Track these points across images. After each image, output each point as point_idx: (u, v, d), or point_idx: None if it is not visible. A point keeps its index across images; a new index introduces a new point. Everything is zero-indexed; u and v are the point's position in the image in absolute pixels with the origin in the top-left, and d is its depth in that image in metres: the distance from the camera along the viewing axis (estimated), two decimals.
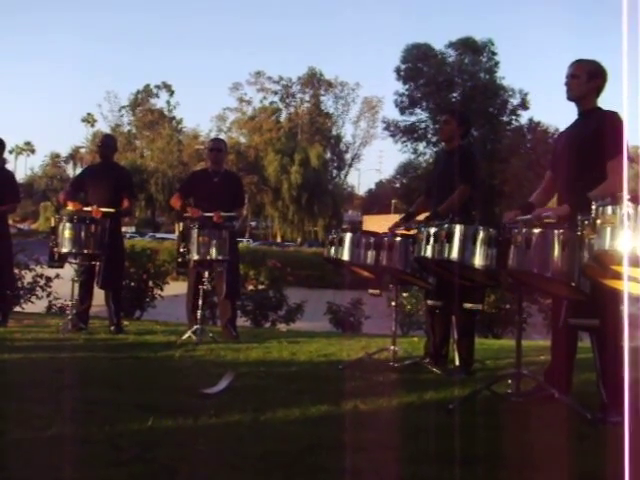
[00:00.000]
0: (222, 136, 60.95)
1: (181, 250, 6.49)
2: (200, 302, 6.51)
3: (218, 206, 6.62)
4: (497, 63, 45.43)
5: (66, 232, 6.44)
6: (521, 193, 31.33)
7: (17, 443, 2.75)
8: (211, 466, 2.61)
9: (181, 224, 6.64)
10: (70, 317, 6.64)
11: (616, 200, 2.80)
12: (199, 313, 6.52)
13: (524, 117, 46.04)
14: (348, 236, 5.29)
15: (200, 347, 5.91)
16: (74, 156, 79.24)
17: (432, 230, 4.08)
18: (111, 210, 6.69)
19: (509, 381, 3.95)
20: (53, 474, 2.41)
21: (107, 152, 7.23)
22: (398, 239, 5.02)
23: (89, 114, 78.31)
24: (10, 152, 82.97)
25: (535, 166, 34.89)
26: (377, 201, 65.19)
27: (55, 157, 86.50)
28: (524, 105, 45.54)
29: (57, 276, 9.82)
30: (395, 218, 5.87)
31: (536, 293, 8.14)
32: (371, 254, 5.14)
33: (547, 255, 3.43)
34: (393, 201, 52.68)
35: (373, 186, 79.70)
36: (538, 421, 3.48)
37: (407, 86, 45.49)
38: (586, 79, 4.04)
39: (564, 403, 3.70)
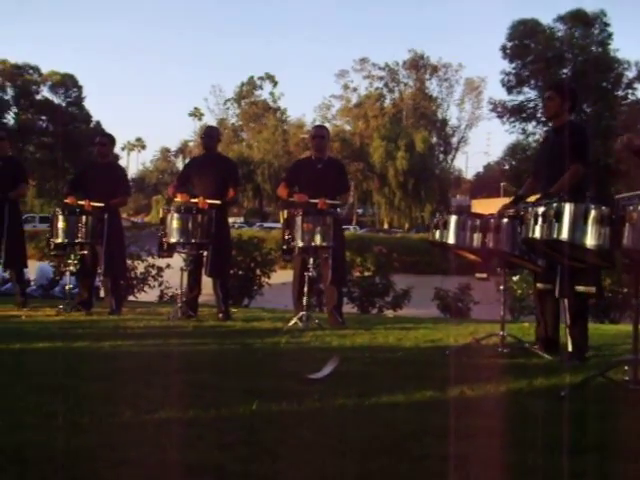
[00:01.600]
0: (327, 124, 61.27)
1: (286, 237, 6.54)
2: (306, 289, 6.55)
3: (322, 193, 6.63)
4: (610, 35, 43.41)
5: (174, 222, 6.62)
6: (638, 171, 29.84)
7: (127, 425, 2.84)
8: (314, 450, 2.59)
9: (285, 212, 6.69)
10: (179, 305, 6.85)
11: None
12: (305, 300, 6.56)
13: None
14: (453, 218, 5.15)
15: (306, 333, 5.94)
16: (183, 150, 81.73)
17: (540, 210, 3.90)
18: (217, 202, 6.82)
19: (625, 368, 3.75)
20: (159, 455, 2.46)
21: (210, 143, 7.36)
22: (505, 220, 4.85)
23: (196, 108, 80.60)
24: (122, 148, 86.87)
25: None
26: (485, 184, 63.81)
27: (165, 151, 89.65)
28: None
29: (168, 266, 10.15)
30: (504, 201, 5.66)
31: None
32: (477, 236, 4.99)
33: None
34: (502, 184, 51.42)
35: (481, 169, 78.23)
36: None
37: (514, 64, 44.21)
38: None
39: None
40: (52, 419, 2.84)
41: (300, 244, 6.42)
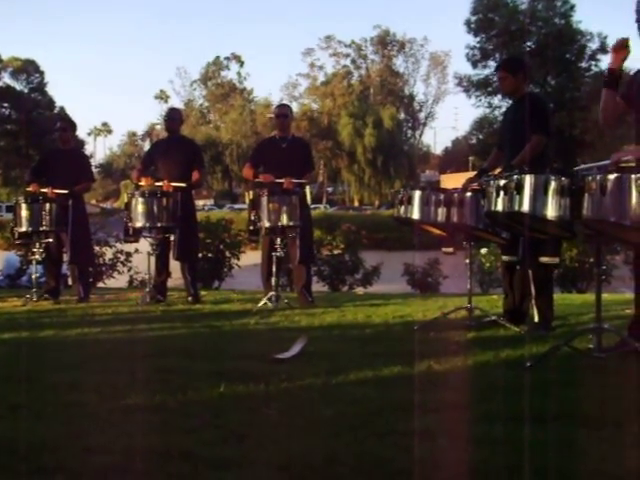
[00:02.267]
0: (294, 103, 61.04)
1: (252, 218, 6.51)
2: (274, 269, 6.54)
3: (287, 172, 6.59)
4: (573, 7, 43.51)
5: (139, 207, 6.55)
6: (603, 142, 30.17)
7: (92, 413, 2.82)
8: (281, 431, 2.60)
9: (251, 192, 6.65)
10: (148, 290, 6.81)
11: None
12: (273, 280, 6.56)
13: (604, 62, 44.08)
14: (417, 194, 5.14)
15: (275, 313, 5.94)
16: (150, 133, 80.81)
17: (501, 182, 3.91)
18: (182, 185, 6.76)
19: (590, 337, 3.80)
20: (126, 441, 2.45)
21: (173, 125, 7.28)
22: (468, 194, 4.87)
23: (162, 91, 79.75)
24: (89, 134, 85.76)
25: None
26: (454, 159, 64.20)
27: (132, 135, 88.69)
28: (604, 49, 43.47)
29: (136, 251, 10.03)
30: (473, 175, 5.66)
31: (616, 243, 7.84)
32: (441, 211, 4.99)
33: (624, 202, 3.24)
34: (470, 158, 51.68)
35: (449, 144, 78.55)
36: (620, 378, 3.34)
37: (478, 38, 44.23)
38: None
39: None
40: (16, 409, 2.81)
41: (267, 224, 6.38)
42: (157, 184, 6.75)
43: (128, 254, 10.67)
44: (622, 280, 9.10)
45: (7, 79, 56.32)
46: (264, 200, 6.38)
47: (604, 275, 6.34)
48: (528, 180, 3.73)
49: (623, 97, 4.20)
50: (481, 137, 46.22)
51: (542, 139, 4.97)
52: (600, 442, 2.43)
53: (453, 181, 38.42)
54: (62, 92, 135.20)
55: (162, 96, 79.66)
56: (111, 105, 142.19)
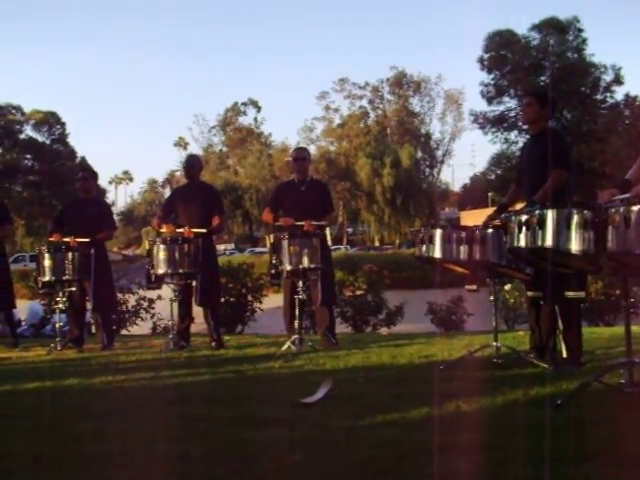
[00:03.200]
0: (311, 146, 61.54)
1: (273, 262, 6.51)
2: (297, 312, 6.52)
3: (307, 215, 6.61)
4: (585, 40, 43.77)
5: (161, 254, 6.58)
6: (622, 173, 29.93)
7: (117, 463, 2.78)
8: (309, 477, 2.55)
9: (272, 236, 6.66)
10: (171, 336, 6.81)
11: None
12: (296, 323, 6.53)
13: (619, 93, 44.09)
14: (438, 232, 5.13)
15: (299, 357, 5.89)
16: (170, 180, 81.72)
17: (523, 218, 3.89)
18: (202, 230, 6.80)
19: (621, 371, 3.72)
20: None
21: (192, 172, 7.35)
22: (490, 231, 4.84)
23: (180, 138, 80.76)
24: (110, 182, 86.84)
25: (636, 143, 33.38)
26: (473, 195, 64.06)
27: (152, 183, 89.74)
28: (618, 80, 43.62)
29: (159, 297, 10.09)
30: (492, 211, 5.64)
31: None
32: (463, 249, 4.97)
33: None
34: (489, 194, 51.58)
35: (467, 181, 78.51)
36: None
37: (492, 75, 44.52)
38: None
39: None
40: (39, 461, 2.79)
41: (288, 267, 6.38)
42: (178, 230, 6.78)
43: (151, 301, 10.72)
44: None
45: (30, 131, 57.39)
46: (285, 243, 6.39)
47: (632, 307, 6.24)
48: (550, 215, 3.69)
49: None
50: (499, 173, 46.20)
51: (563, 173, 4.95)
52: None
53: (473, 218, 38.33)
54: (83, 142, 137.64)
55: (181, 143, 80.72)
56: (131, 153, 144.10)
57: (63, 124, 58.16)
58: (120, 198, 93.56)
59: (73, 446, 3.03)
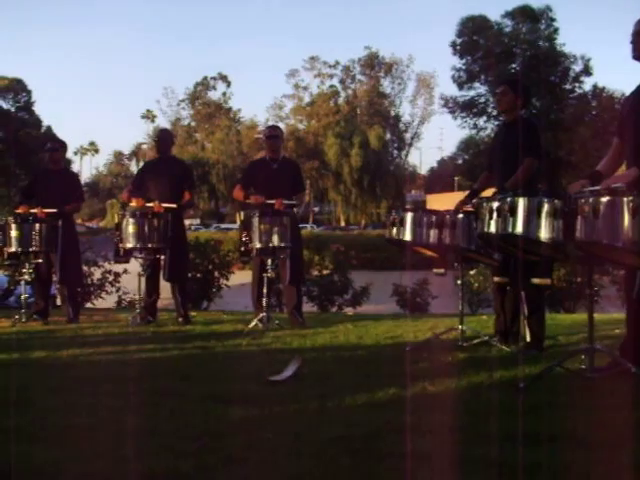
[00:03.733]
0: (280, 124, 61.16)
1: (243, 239, 6.51)
2: (265, 290, 6.55)
3: (278, 193, 6.61)
4: (556, 30, 44.11)
5: (130, 227, 6.54)
6: (588, 162, 30.45)
7: (90, 437, 2.80)
8: (280, 454, 2.59)
9: (242, 213, 6.66)
10: (138, 311, 6.79)
11: None
12: (264, 301, 6.55)
13: (588, 84, 44.64)
14: (409, 216, 5.18)
15: (267, 334, 5.93)
16: (136, 153, 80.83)
17: (495, 204, 3.95)
18: (173, 205, 6.76)
19: (582, 357, 3.82)
20: (122, 466, 2.43)
21: (164, 146, 7.29)
22: (460, 216, 4.90)
23: (148, 110, 79.84)
24: (75, 153, 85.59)
25: (602, 133, 33.83)
26: (440, 179, 64.44)
27: (118, 155, 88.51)
28: (587, 71, 44.12)
29: (125, 271, 10.05)
30: (458, 196, 5.72)
31: (607, 264, 7.90)
32: (433, 233, 5.03)
33: (616, 224, 3.27)
34: (456, 178, 52.02)
35: (435, 164, 78.95)
36: (613, 398, 3.36)
37: (464, 60, 44.68)
38: None
39: None
40: (11, 433, 2.79)
41: (258, 245, 6.40)
42: (148, 205, 6.74)
43: (116, 274, 10.65)
44: (608, 299, 9.19)
45: None
46: (255, 221, 6.39)
47: (595, 296, 6.39)
48: (522, 203, 3.77)
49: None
50: (467, 157, 46.62)
51: (535, 162, 5.04)
52: (597, 463, 2.44)
53: (439, 201, 38.64)
54: (49, 111, 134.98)
55: (149, 116, 79.80)
56: (98, 124, 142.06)
57: (29, 92, 57.05)
58: (85, 169, 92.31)
59: (44, 419, 3.03)
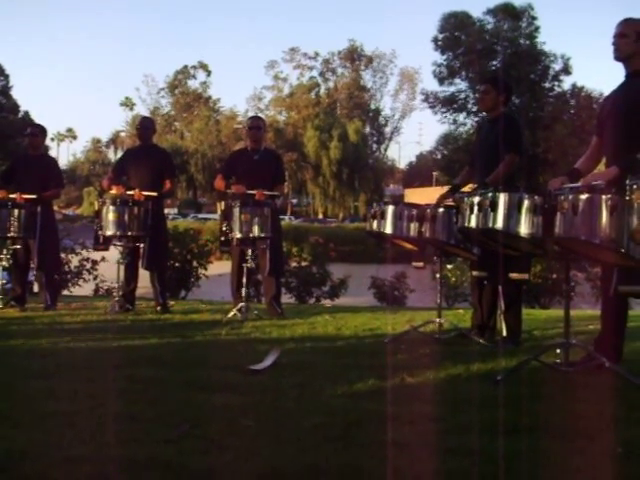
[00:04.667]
0: (259, 115, 61.00)
1: (224, 229, 6.52)
2: (244, 280, 6.57)
3: (259, 184, 6.61)
4: (537, 28, 44.34)
5: (110, 215, 6.52)
6: (565, 160, 30.76)
7: (71, 422, 2.80)
8: (259, 441, 2.62)
9: (223, 203, 6.66)
10: (117, 299, 6.78)
11: None
12: (244, 291, 6.57)
13: (567, 83, 44.95)
14: (390, 209, 5.24)
15: (245, 324, 5.95)
16: (115, 140, 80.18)
17: (476, 199, 4.00)
18: (153, 194, 6.74)
19: (558, 351, 3.89)
20: (104, 452, 2.45)
21: (146, 134, 7.25)
22: (441, 210, 4.95)
23: (127, 98, 79.04)
24: (52, 139, 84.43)
25: (579, 132, 34.18)
26: (418, 174, 64.72)
27: (96, 142, 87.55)
28: (567, 70, 44.43)
29: (103, 259, 10.02)
30: (437, 191, 5.79)
31: (584, 261, 8.01)
32: (414, 226, 5.09)
33: (595, 221, 3.33)
34: (434, 173, 52.23)
35: (414, 159, 79.15)
36: (588, 391, 3.43)
37: (445, 56, 44.79)
38: (635, 38, 3.92)
39: (614, 372, 3.64)
40: None
41: (238, 235, 6.41)
42: (129, 192, 6.71)
43: (94, 262, 10.60)
44: (582, 296, 9.31)
45: None
46: (236, 211, 6.40)
47: (571, 291, 6.47)
48: (502, 198, 3.82)
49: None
50: (446, 153, 46.73)
51: (515, 158, 5.09)
52: (572, 454, 2.50)
53: (417, 195, 38.80)
54: (26, 96, 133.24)
55: (128, 103, 79.05)
56: (76, 111, 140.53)
57: (7, 76, 56.11)
58: (63, 156, 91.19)
59: (26, 405, 3.03)
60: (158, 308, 6.93)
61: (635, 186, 2.93)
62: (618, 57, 4.00)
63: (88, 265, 10.67)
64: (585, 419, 2.93)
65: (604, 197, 3.32)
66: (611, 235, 3.31)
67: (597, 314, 4.57)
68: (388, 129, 71.03)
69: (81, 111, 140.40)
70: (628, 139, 3.83)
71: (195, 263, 10.70)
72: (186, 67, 73.67)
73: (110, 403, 3.05)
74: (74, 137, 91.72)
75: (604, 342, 4.09)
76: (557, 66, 44.43)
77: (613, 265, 3.85)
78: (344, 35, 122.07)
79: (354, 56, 68.93)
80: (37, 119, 56.57)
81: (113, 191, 6.83)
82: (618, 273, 3.85)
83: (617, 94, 4.10)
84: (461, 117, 46.11)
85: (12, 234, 6.80)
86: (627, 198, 3.09)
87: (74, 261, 10.66)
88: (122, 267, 6.81)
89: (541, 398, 3.34)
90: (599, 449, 2.55)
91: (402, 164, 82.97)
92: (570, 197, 3.40)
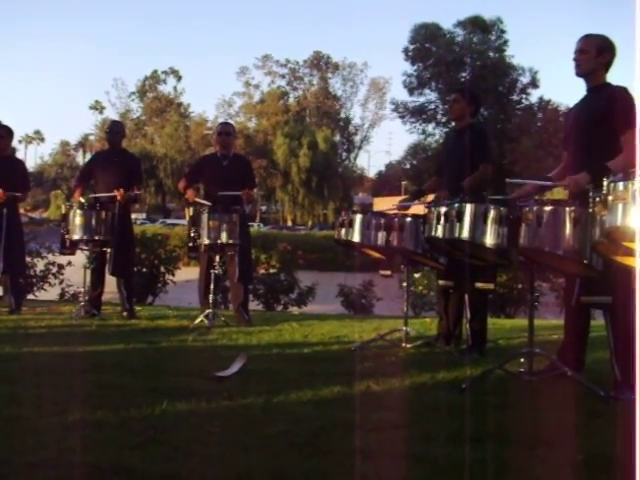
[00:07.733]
0: (229, 121, 60.77)
1: (192, 235, 6.50)
2: (212, 286, 6.55)
3: (228, 189, 6.61)
4: (506, 41, 45.06)
5: (77, 219, 6.48)
6: (531, 172, 31.13)
7: (34, 428, 2.77)
8: (225, 448, 2.62)
9: (191, 209, 6.64)
10: (82, 304, 6.72)
11: (628, 176, 2.77)
12: (211, 297, 6.55)
13: (534, 96, 45.71)
14: (358, 217, 5.28)
15: (212, 331, 5.94)
16: (83, 144, 79.31)
17: (442, 209, 4.05)
18: (132, 193, 6.74)
19: (522, 360, 3.94)
20: (68, 457, 2.42)
21: (115, 138, 7.21)
22: (409, 219, 4.99)
23: (97, 101, 78.23)
24: (20, 141, 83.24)
25: (546, 145, 34.69)
26: (387, 183, 64.96)
27: (64, 145, 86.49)
28: (534, 83, 45.19)
29: (69, 263, 9.90)
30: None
31: (548, 271, 8.13)
32: (382, 235, 5.13)
33: (558, 233, 3.40)
34: (403, 182, 52.50)
35: (383, 168, 79.47)
36: (551, 399, 3.48)
37: (416, 67, 45.26)
38: (595, 54, 4.00)
39: (577, 381, 3.70)
40: None
41: (206, 241, 6.39)
42: (110, 195, 6.68)
43: (60, 266, 10.47)
44: (547, 306, 9.45)
45: None
46: (204, 217, 6.39)
47: (536, 301, 6.57)
48: (469, 208, 3.87)
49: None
50: (414, 162, 47.16)
51: (489, 168, 5.18)
52: (535, 461, 2.53)
53: (386, 204, 38.95)
54: None
55: (97, 107, 78.24)
56: (44, 113, 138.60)
57: None
58: (30, 158, 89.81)
59: None
60: (124, 313, 6.88)
61: (598, 199, 2.98)
62: (579, 73, 4.08)
63: (54, 269, 10.53)
64: (547, 427, 2.97)
65: (568, 209, 3.38)
66: (574, 246, 3.38)
67: (561, 324, 4.64)
68: (358, 138, 71.34)
69: (49, 113, 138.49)
70: (588, 151, 3.91)
71: (163, 269, 10.63)
72: (156, 72, 73.24)
73: (74, 409, 3.01)
74: (42, 139, 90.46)
75: (567, 351, 4.16)
76: (525, 79, 45.22)
77: (576, 276, 3.93)
78: (316, 44, 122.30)
79: (320, 64, 69.11)
80: (4, 120, 55.73)
81: (82, 200, 6.78)
82: (580, 284, 3.92)
83: (578, 108, 4.18)
84: (430, 127, 46.66)
85: None
86: (590, 210, 3.14)
87: (40, 265, 10.52)
88: (88, 272, 6.78)
89: (505, 406, 3.37)
90: (560, 457, 2.59)
91: (371, 173, 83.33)
92: (535, 209, 3.46)
